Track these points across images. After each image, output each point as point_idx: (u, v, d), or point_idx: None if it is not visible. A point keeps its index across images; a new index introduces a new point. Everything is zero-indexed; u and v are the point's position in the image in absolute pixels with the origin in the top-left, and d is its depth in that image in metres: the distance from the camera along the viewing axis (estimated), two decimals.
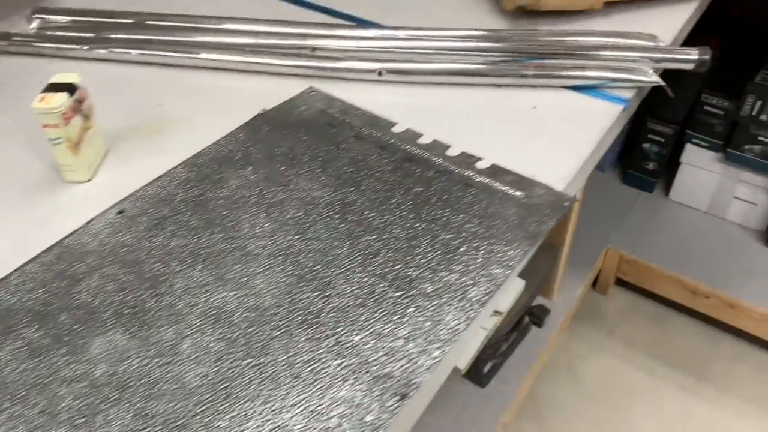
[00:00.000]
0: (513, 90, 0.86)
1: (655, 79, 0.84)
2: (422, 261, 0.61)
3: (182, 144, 0.79)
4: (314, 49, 0.88)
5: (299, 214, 0.66)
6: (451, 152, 0.74)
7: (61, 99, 0.70)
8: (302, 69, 0.89)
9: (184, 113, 0.85)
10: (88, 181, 0.76)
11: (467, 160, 0.73)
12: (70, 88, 0.72)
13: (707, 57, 0.84)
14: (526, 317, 1.27)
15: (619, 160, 1.70)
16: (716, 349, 1.48)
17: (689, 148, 1.51)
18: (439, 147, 0.75)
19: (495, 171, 0.72)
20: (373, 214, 0.66)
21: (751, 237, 1.50)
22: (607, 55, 0.85)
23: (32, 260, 0.63)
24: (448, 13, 1.03)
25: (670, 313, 1.55)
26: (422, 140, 0.76)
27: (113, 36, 0.94)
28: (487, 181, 0.70)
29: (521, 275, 0.65)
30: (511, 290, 0.83)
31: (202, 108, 0.86)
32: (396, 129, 0.77)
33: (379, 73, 0.85)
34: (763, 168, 1.40)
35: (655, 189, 1.63)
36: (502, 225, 0.64)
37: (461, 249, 0.62)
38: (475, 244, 0.62)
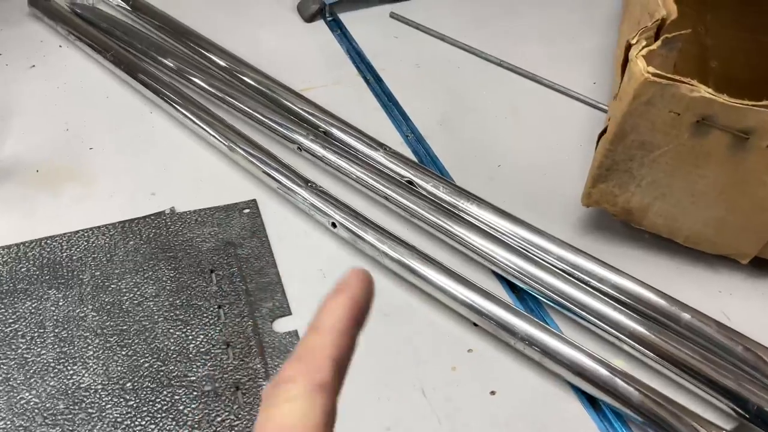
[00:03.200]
0: None
1: None
2: None
3: (56, 215, 0.68)
4: (300, 148, 0.75)
5: None
6: None
7: None
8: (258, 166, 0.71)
9: (100, 172, 0.74)
10: None
11: None
12: None
13: None
14: None
15: None
16: None
17: None
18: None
19: None
20: None
21: None
22: None
23: None
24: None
25: None
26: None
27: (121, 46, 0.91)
28: None
29: None
30: None
31: (124, 174, 0.74)
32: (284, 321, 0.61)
33: (333, 225, 0.66)
34: None
35: None
36: None
37: None
38: None
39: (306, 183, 0.69)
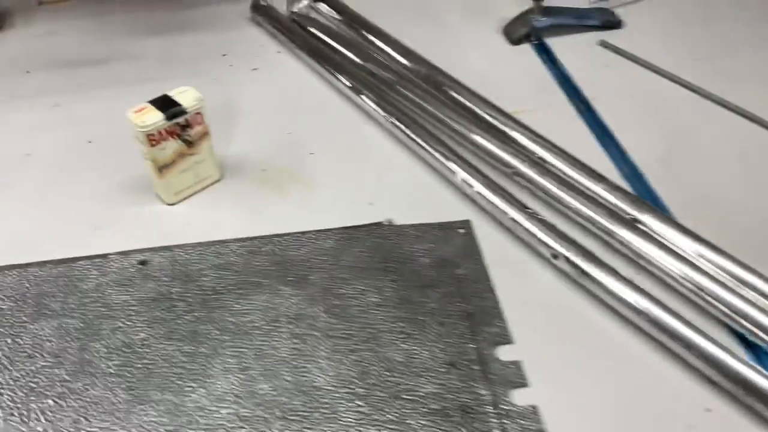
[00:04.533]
0: None
1: None
2: None
3: (283, 214, 0.72)
4: (516, 173, 0.74)
5: None
6: None
7: (154, 119, 0.64)
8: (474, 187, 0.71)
9: (321, 177, 0.77)
10: (171, 204, 0.73)
11: None
12: (175, 110, 0.66)
13: None
14: None
15: None
16: None
17: None
18: None
19: None
20: None
21: None
22: None
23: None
24: None
25: None
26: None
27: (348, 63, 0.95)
28: None
29: None
30: None
31: (343, 181, 0.77)
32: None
33: (554, 256, 0.65)
34: None
35: None
36: None
37: None
38: None
39: (524, 208, 0.69)
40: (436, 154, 0.76)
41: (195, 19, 1.06)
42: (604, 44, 0.97)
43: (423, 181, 0.76)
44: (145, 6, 1.09)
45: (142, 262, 0.66)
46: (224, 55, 0.98)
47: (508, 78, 0.92)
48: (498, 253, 0.68)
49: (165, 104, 0.67)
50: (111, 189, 0.76)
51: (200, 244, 0.68)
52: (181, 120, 0.67)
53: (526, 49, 0.97)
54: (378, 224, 0.71)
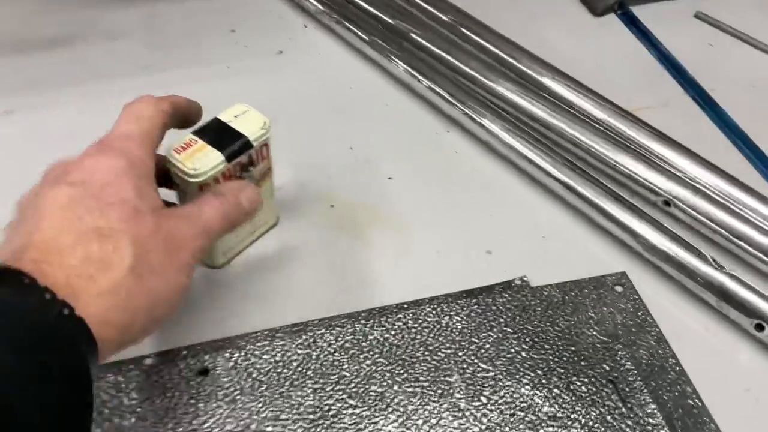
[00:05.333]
0: None
1: None
2: None
3: (372, 272, 0.52)
4: (669, 203, 0.58)
5: None
6: None
7: (212, 162, 0.43)
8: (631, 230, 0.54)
9: (410, 213, 0.57)
10: (218, 267, 0.51)
11: None
12: (238, 145, 0.44)
13: None
14: None
15: None
16: None
17: None
18: None
19: None
20: None
21: None
22: None
23: None
24: None
25: None
26: None
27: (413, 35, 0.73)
28: None
29: None
30: None
31: (440, 217, 0.57)
32: None
33: (759, 327, 0.49)
34: None
35: None
36: None
37: None
38: None
39: (702, 257, 0.52)
40: (564, 179, 0.57)
41: None
42: (701, 16, 0.80)
43: (548, 215, 0.58)
44: None
45: (203, 372, 0.45)
46: (233, 31, 0.73)
47: (603, 61, 0.74)
48: (672, 320, 0.51)
49: (219, 135, 0.44)
50: None
51: (272, 331, 0.48)
52: (243, 158, 0.45)
53: (614, 22, 0.79)
54: (508, 284, 0.52)
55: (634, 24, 0.78)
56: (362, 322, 0.49)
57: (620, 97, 0.66)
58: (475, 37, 0.71)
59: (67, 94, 0.65)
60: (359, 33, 0.70)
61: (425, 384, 0.46)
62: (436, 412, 0.44)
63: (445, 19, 0.73)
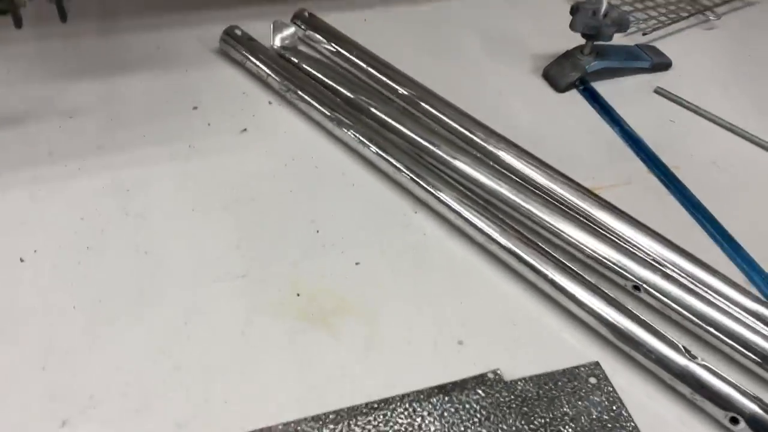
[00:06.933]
0: None
1: None
2: None
3: (342, 368, 0.50)
4: (638, 287, 0.57)
5: None
6: None
7: None
8: (599, 317, 0.53)
9: (378, 302, 0.55)
10: None
11: None
12: None
13: None
14: None
15: None
16: None
17: None
18: None
19: None
20: None
21: None
22: None
23: None
24: None
25: None
26: None
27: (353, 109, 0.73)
28: None
29: None
30: None
31: (410, 306, 0.55)
32: None
33: (734, 420, 0.48)
34: None
35: None
36: None
37: None
38: None
39: (674, 346, 0.51)
40: (533, 262, 0.57)
41: (141, 50, 0.79)
42: (661, 92, 0.82)
43: (517, 302, 0.57)
44: (66, 29, 0.78)
45: None
46: (195, 108, 0.72)
47: (570, 139, 0.74)
48: (647, 412, 0.50)
49: None
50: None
51: None
52: None
53: (576, 98, 0.80)
54: (482, 379, 0.51)
55: (595, 100, 0.80)
56: (330, 426, 0.46)
57: (584, 174, 0.66)
58: (445, 118, 0.71)
59: (17, 178, 0.61)
60: (323, 110, 0.69)
61: None
62: None
63: (410, 94, 0.73)
